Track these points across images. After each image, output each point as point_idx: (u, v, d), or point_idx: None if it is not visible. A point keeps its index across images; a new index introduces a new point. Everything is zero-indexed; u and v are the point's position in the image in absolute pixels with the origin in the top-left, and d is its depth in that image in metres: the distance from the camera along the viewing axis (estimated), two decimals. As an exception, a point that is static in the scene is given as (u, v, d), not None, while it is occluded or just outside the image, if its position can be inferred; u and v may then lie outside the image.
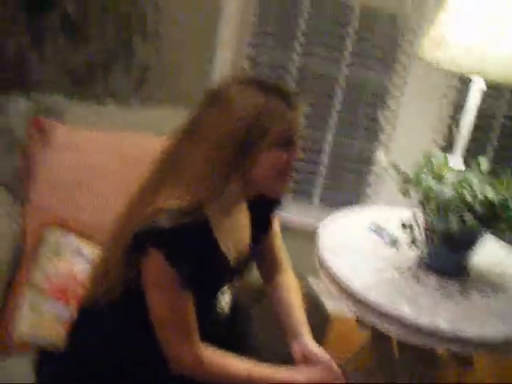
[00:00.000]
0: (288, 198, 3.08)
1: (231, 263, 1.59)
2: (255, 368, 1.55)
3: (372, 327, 2.00)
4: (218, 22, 2.87)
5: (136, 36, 2.89)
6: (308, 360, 1.64)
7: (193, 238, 1.41)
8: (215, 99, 1.47)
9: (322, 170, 3.09)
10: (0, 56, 2.79)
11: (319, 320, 1.93)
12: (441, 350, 2.12)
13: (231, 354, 1.55)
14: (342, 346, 2.74)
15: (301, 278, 2.01)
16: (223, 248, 1.54)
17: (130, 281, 1.48)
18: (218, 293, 1.73)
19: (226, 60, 2.92)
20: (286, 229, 1.88)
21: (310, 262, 2.10)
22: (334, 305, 2.14)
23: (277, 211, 1.78)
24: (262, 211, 1.70)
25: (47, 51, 2.88)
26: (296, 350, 1.66)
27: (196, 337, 1.50)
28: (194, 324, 1.49)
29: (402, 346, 2.17)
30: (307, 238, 2.77)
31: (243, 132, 1.42)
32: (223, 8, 2.85)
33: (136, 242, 1.41)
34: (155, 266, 1.41)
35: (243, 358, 1.55)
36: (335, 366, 1.63)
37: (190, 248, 1.41)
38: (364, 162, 3.06)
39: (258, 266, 1.85)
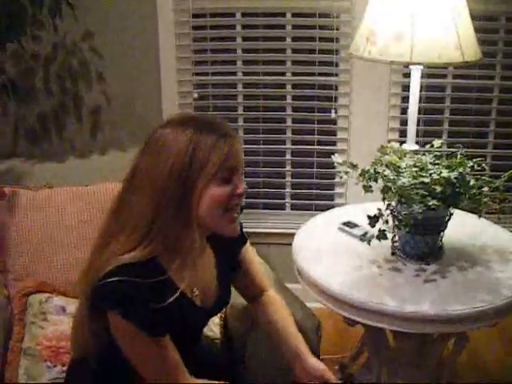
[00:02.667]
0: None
1: (198, 303, 1.60)
2: None
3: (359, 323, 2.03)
4: (159, 57, 2.92)
5: (81, 84, 2.92)
6: (312, 377, 1.66)
7: (145, 289, 1.41)
8: (149, 144, 1.48)
9: (288, 179, 3.15)
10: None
11: (311, 330, 1.95)
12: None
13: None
14: (339, 343, 2.80)
15: (284, 289, 2.05)
16: (185, 290, 1.53)
17: (100, 335, 1.50)
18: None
19: (173, 92, 2.97)
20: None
21: (288, 268, 2.13)
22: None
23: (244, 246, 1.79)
24: (229, 247, 1.71)
25: (-2, 115, 2.92)
26: (299, 369, 1.68)
27: (182, 375, 1.50)
28: (176, 365, 1.49)
29: (396, 334, 2.21)
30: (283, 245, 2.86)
31: (180, 169, 1.42)
32: (161, 44, 2.90)
33: (95, 304, 1.45)
34: (116, 324, 1.43)
35: None
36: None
37: (143, 299, 1.41)
38: (327, 166, 3.10)
39: (238, 290, 1.86)
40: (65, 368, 1.88)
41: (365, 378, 2.44)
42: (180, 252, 1.49)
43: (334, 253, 2.16)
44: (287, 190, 3.15)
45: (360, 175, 2.03)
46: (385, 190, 1.96)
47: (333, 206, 3.05)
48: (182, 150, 1.42)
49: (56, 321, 2.01)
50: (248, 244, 1.80)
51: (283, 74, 2.97)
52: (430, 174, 1.94)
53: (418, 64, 2.14)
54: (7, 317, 2.07)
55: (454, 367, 2.32)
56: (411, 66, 2.21)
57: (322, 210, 2.82)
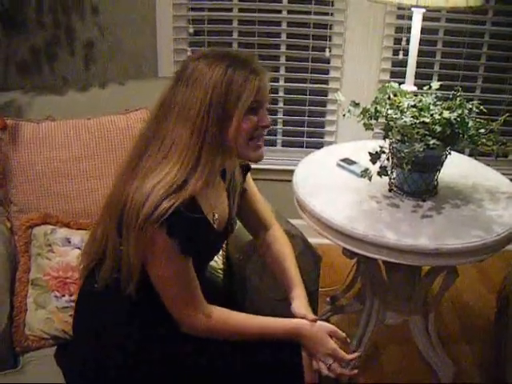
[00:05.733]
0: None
1: (216, 228, 1.71)
2: (262, 321, 1.66)
3: (358, 255, 2.12)
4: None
5: (74, 15, 2.89)
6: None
7: (185, 213, 1.50)
8: (183, 76, 1.55)
9: (280, 116, 3.19)
10: None
11: (313, 262, 2.02)
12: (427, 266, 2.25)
13: (235, 311, 1.67)
14: (333, 275, 2.90)
15: (285, 222, 2.11)
16: (209, 217, 1.66)
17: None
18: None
19: (167, 27, 2.96)
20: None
21: (280, 203, 2.19)
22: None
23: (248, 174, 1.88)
24: (236, 175, 1.81)
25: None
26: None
27: (201, 298, 1.62)
28: (197, 287, 1.62)
29: (389, 267, 2.31)
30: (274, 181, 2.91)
31: (218, 102, 1.51)
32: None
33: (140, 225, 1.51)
34: (159, 240, 1.52)
35: (247, 313, 1.67)
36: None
37: (185, 223, 1.51)
38: (319, 104, 3.15)
39: (245, 225, 1.96)
40: (72, 298, 1.93)
41: (355, 308, 2.56)
42: (210, 180, 1.59)
43: (334, 188, 2.23)
44: (279, 126, 3.19)
45: (361, 113, 2.09)
46: (387, 129, 2.03)
47: (323, 144, 3.12)
48: (217, 83, 1.51)
49: (62, 252, 2.03)
50: (249, 174, 1.89)
51: (279, 11, 2.97)
52: (432, 115, 2.00)
53: (424, 7, 2.17)
54: (12, 249, 2.09)
55: (440, 302, 2.44)
56: (413, 9, 2.25)
57: (312, 148, 2.89)
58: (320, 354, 1.64)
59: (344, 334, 1.69)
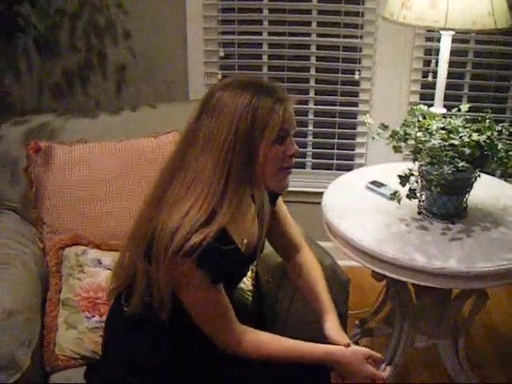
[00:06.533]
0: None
1: (245, 253, 1.71)
2: (296, 345, 1.66)
3: (388, 278, 2.11)
4: (186, 15, 2.94)
5: (107, 40, 2.94)
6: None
7: (216, 245, 1.51)
8: (208, 106, 1.55)
9: (310, 139, 3.20)
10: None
11: (341, 285, 2.02)
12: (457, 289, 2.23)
13: (269, 333, 1.67)
14: (362, 298, 2.89)
15: (314, 244, 2.11)
16: (238, 242, 1.65)
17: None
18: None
19: (199, 50, 3.00)
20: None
21: (309, 225, 2.18)
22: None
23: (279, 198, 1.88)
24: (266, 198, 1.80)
25: (24, 71, 2.94)
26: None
27: (234, 320, 1.62)
28: (230, 311, 1.62)
29: (419, 290, 2.30)
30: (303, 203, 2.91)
31: (244, 133, 1.50)
32: (188, 2, 2.92)
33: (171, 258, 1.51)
34: (190, 272, 1.52)
35: (282, 336, 1.67)
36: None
37: (216, 256, 1.52)
38: (348, 126, 3.16)
39: (274, 247, 1.96)
40: (103, 318, 1.94)
41: (385, 331, 2.54)
42: (239, 208, 1.59)
43: (363, 211, 2.23)
44: (308, 149, 3.21)
45: (390, 136, 2.09)
46: (416, 151, 2.03)
47: (352, 166, 3.13)
48: (243, 114, 1.50)
49: (92, 273, 2.06)
50: (280, 197, 1.88)
51: (308, 34, 3.00)
52: (460, 137, 2.00)
53: (452, 30, 2.18)
54: (44, 269, 2.12)
55: (471, 324, 2.41)
56: (442, 32, 2.26)
57: (342, 170, 2.89)
58: (357, 379, 1.64)
59: (379, 355, 1.69)
